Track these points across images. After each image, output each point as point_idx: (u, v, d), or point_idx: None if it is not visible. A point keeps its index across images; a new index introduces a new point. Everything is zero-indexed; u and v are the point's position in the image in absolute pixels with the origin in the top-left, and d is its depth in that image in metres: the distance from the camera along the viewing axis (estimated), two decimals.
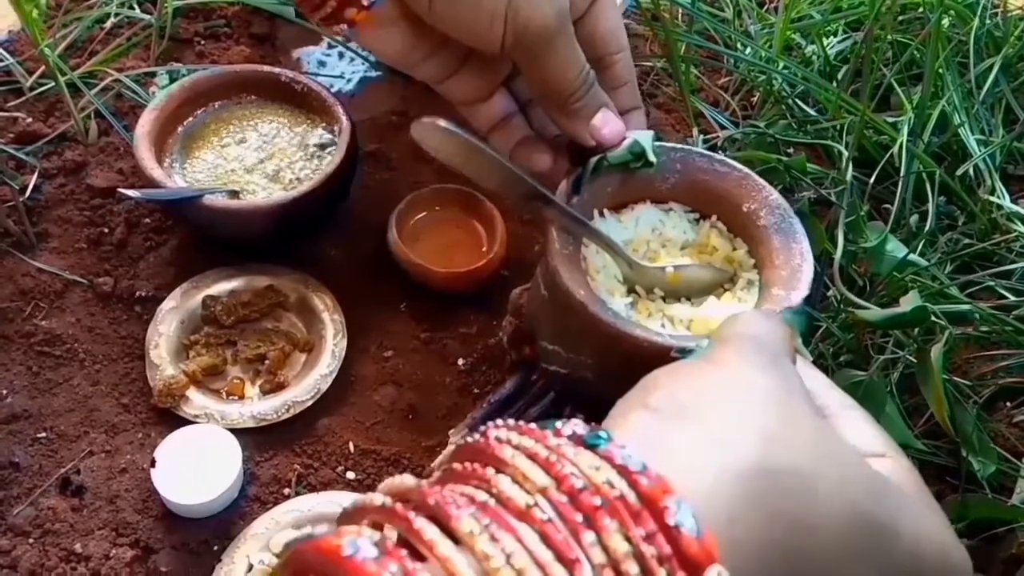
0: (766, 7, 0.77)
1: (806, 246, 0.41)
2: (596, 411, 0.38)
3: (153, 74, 0.66)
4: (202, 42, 0.70)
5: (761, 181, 0.43)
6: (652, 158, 0.43)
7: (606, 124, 0.42)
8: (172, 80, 0.66)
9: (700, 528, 0.21)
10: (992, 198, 0.61)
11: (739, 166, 0.43)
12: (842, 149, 0.57)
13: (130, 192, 0.50)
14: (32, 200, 0.60)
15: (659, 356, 0.35)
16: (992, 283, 0.57)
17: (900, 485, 0.27)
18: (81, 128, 0.63)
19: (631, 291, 0.41)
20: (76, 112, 0.63)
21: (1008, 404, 0.56)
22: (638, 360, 0.37)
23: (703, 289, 0.42)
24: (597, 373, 0.40)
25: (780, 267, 0.41)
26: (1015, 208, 0.59)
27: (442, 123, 0.36)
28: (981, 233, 0.62)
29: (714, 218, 0.44)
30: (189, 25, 0.71)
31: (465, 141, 0.37)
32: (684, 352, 0.34)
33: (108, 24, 0.69)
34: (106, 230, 0.59)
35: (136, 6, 0.70)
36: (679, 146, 0.43)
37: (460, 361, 0.56)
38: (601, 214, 0.42)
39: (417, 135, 0.37)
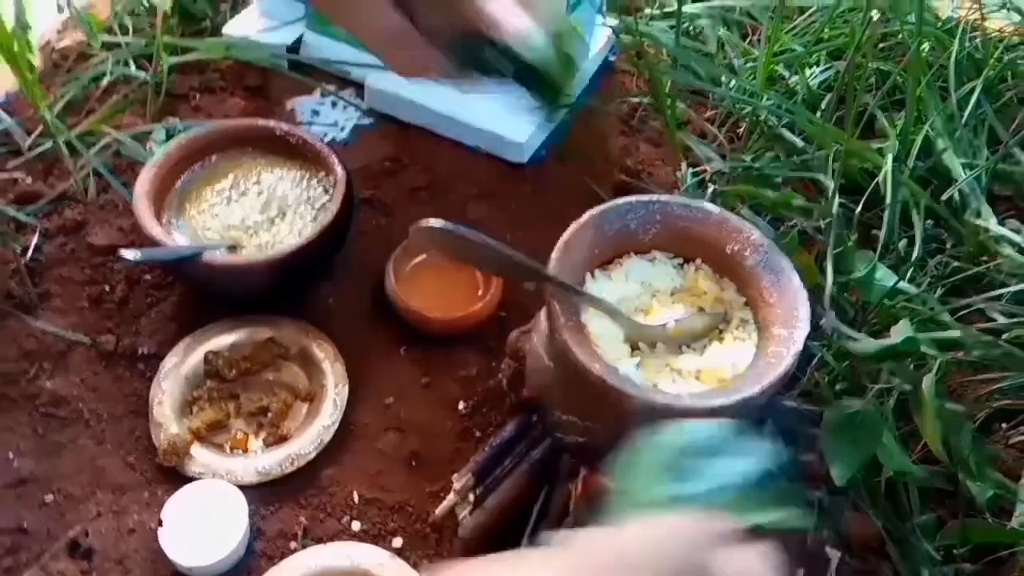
0: (749, 39, 0.78)
1: (797, 281, 0.42)
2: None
3: (150, 130, 0.67)
4: (197, 96, 0.72)
5: (740, 222, 0.44)
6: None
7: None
8: (169, 136, 0.67)
9: None
10: (979, 221, 0.62)
11: (716, 209, 0.44)
12: (828, 182, 0.58)
13: (129, 254, 0.51)
14: (33, 260, 0.61)
15: (682, 418, 0.36)
16: (983, 306, 0.58)
17: None
18: (80, 187, 0.64)
19: (634, 348, 0.42)
20: (75, 171, 0.64)
21: (1004, 425, 0.56)
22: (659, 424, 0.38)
23: (702, 335, 0.42)
24: (616, 439, 0.41)
25: (775, 305, 0.41)
26: (1002, 231, 0.60)
27: (439, 225, 0.38)
28: (970, 256, 0.62)
29: (698, 261, 0.45)
30: (184, 80, 0.72)
31: (463, 237, 0.39)
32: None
33: (104, 82, 0.70)
34: (107, 288, 0.60)
35: (132, 62, 0.71)
36: (656, 197, 0.44)
37: (461, 404, 0.56)
38: (592, 275, 0.43)
39: (417, 239, 0.38)
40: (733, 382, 0.40)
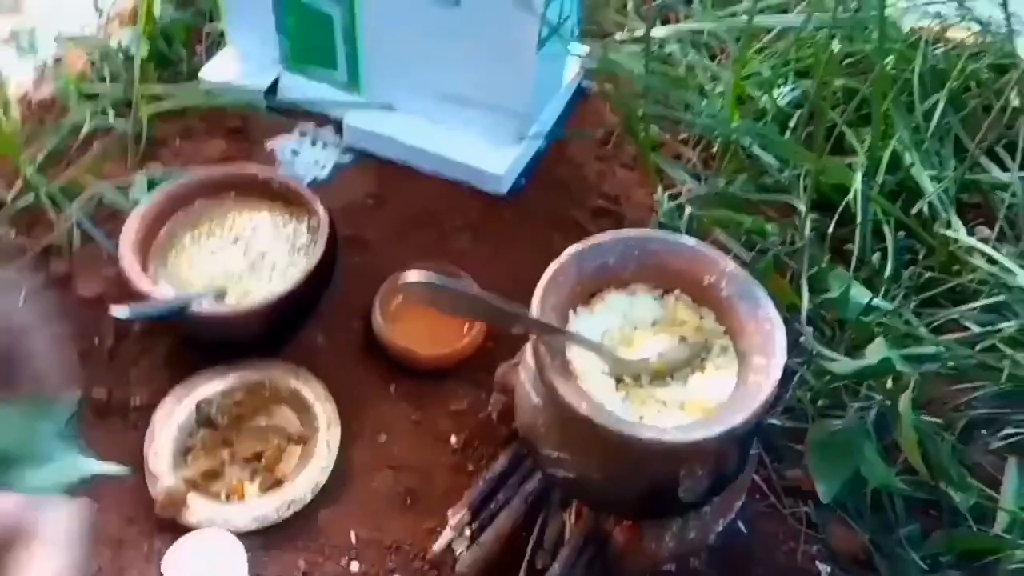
0: (717, 60, 0.80)
1: (772, 311, 0.43)
2: (603, 507, 0.40)
3: (131, 180, 0.68)
4: (177, 141, 0.72)
5: (716, 254, 0.45)
6: None
7: None
8: (151, 183, 0.68)
9: None
10: (949, 232, 0.64)
11: (692, 241, 0.46)
12: (800, 206, 0.59)
13: (119, 312, 0.52)
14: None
15: (668, 452, 0.38)
16: (956, 316, 0.59)
17: None
18: (65, 239, 0.65)
19: (619, 381, 0.43)
20: (59, 224, 0.64)
21: (984, 432, 0.58)
22: (648, 458, 0.39)
23: (685, 365, 0.43)
24: (606, 473, 0.42)
25: (752, 334, 0.43)
26: (971, 241, 0.62)
27: (425, 279, 0.39)
28: (942, 266, 0.64)
29: (677, 292, 0.46)
30: (163, 125, 0.73)
31: (449, 290, 0.40)
32: None
33: (83, 132, 0.70)
34: (96, 340, 0.60)
35: (111, 109, 0.72)
36: (633, 233, 0.45)
37: (453, 439, 0.57)
38: (575, 312, 0.44)
39: (405, 293, 0.39)
40: (717, 411, 0.41)
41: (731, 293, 0.44)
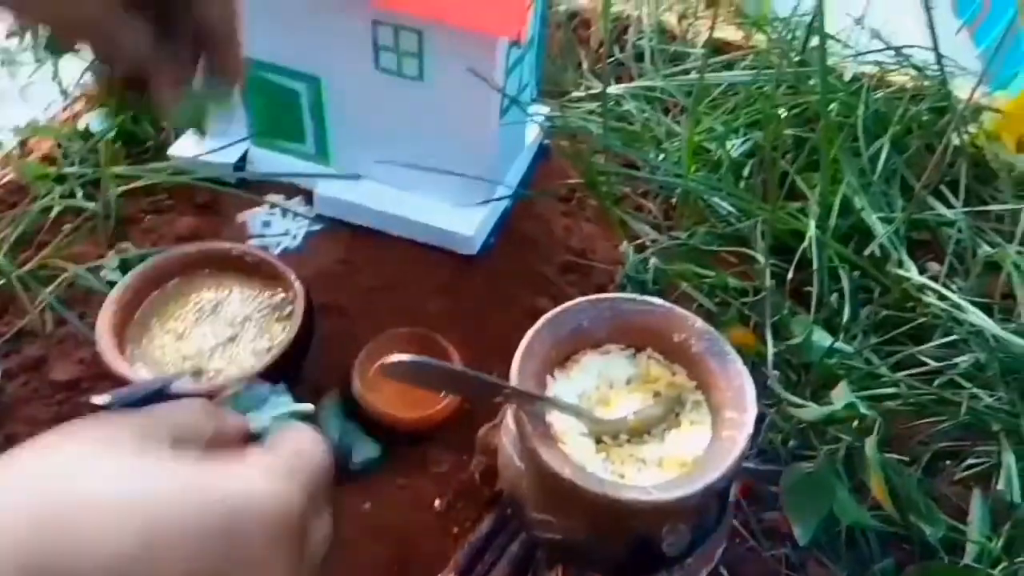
0: (671, 114, 0.83)
1: (740, 365, 0.45)
2: (589, 565, 0.41)
3: (103, 261, 0.68)
4: (147, 217, 0.73)
5: (684, 312, 0.47)
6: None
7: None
8: (123, 263, 0.68)
9: None
10: (900, 271, 0.67)
11: (660, 302, 0.48)
12: (759, 256, 0.62)
13: (99, 400, 0.52)
14: None
15: (651, 511, 0.39)
16: (914, 351, 0.62)
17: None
18: (38, 322, 0.65)
19: (599, 440, 0.44)
20: (31, 308, 0.65)
21: (948, 463, 0.60)
22: (631, 517, 0.40)
23: (661, 421, 0.45)
24: (591, 534, 0.43)
25: (724, 389, 0.44)
26: (922, 280, 0.65)
27: (407, 359, 0.40)
28: (896, 303, 0.67)
29: (649, 350, 0.48)
30: (133, 202, 0.73)
31: (432, 368, 0.42)
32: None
33: (52, 214, 0.71)
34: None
35: (79, 190, 0.73)
36: (604, 297, 0.47)
37: (436, 502, 0.58)
38: (552, 376, 0.46)
39: (388, 374, 0.40)
40: (694, 466, 0.43)
41: (701, 349, 0.46)
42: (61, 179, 0.74)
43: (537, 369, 0.45)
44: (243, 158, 0.75)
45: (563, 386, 0.46)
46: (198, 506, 0.29)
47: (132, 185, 0.72)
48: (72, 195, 0.72)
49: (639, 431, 0.45)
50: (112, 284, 0.66)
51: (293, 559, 0.31)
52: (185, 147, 0.75)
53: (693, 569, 0.48)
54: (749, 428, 0.42)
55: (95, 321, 0.65)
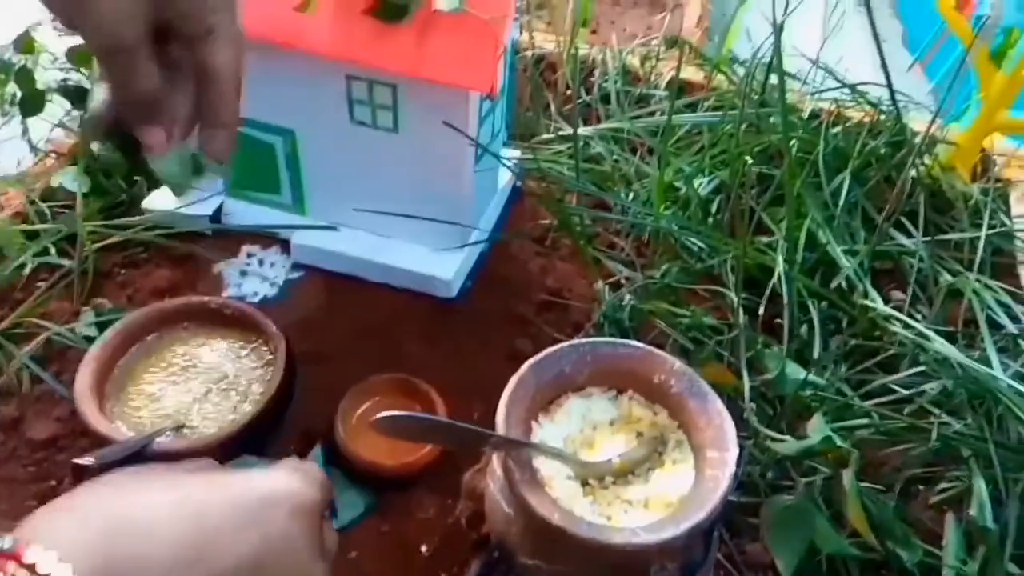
0: (639, 154, 0.85)
1: (719, 405, 0.46)
2: None
3: (77, 318, 0.68)
4: (122, 272, 0.73)
5: (662, 354, 0.48)
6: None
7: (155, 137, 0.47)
8: (98, 316, 0.68)
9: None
10: (866, 301, 0.69)
11: (639, 345, 0.49)
12: (731, 294, 0.63)
13: (85, 461, 0.51)
14: None
15: (639, 553, 0.40)
16: (883, 380, 0.64)
17: None
18: (14, 381, 0.64)
19: (585, 483, 0.45)
20: (6, 367, 0.64)
21: (921, 488, 0.62)
22: (621, 559, 0.41)
23: (645, 462, 0.46)
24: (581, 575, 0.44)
25: (704, 428, 0.46)
26: (888, 310, 0.67)
27: (398, 415, 0.42)
28: (863, 333, 0.69)
29: (630, 392, 0.49)
30: (108, 257, 0.73)
31: (421, 422, 0.44)
32: None
33: (26, 272, 0.71)
34: (54, 482, 0.60)
35: (52, 247, 0.72)
36: (585, 341, 0.49)
37: (423, 548, 0.58)
38: (537, 421, 0.47)
39: (380, 430, 0.41)
40: (679, 505, 0.44)
41: (680, 390, 0.47)
42: (32, 236, 0.73)
43: (523, 415, 0.46)
44: (219, 210, 0.75)
45: (548, 430, 0.47)
46: (235, 498, 0.38)
47: (108, 241, 0.72)
48: (46, 252, 0.72)
49: (624, 472, 0.46)
50: (89, 340, 0.66)
51: (315, 538, 0.41)
52: (160, 200, 0.75)
53: None
54: (732, 467, 0.43)
55: (72, 378, 0.65)
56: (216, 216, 0.75)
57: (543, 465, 0.45)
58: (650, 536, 0.40)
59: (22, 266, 0.71)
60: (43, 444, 0.61)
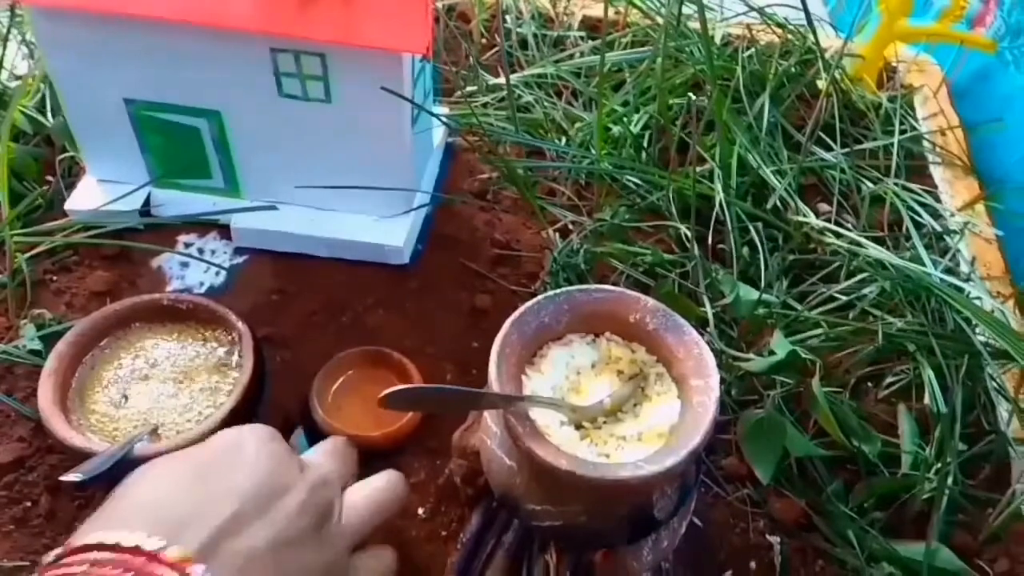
0: (564, 97, 0.86)
1: (695, 335, 0.49)
2: (587, 544, 0.44)
3: (11, 326, 0.65)
4: (55, 278, 0.70)
5: (635, 294, 0.50)
6: None
7: None
8: (40, 328, 0.65)
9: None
10: (799, 217, 0.73)
11: (612, 288, 0.51)
12: (683, 228, 0.66)
13: (72, 477, 0.50)
14: None
15: (644, 484, 0.42)
16: (825, 290, 0.68)
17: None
18: None
19: (578, 426, 0.47)
20: None
21: (870, 385, 0.66)
22: (627, 492, 0.43)
23: (631, 398, 0.48)
24: (590, 515, 0.45)
25: (684, 359, 0.48)
26: (820, 223, 0.71)
27: (403, 388, 0.42)
28: (800, 247, 0.73)
29: (607, 334, 0.51)
30: (37, 265, 0.70)
31: (425, 392, 0.46)
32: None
33: None
34: (29, 503, 0.58)
35: None
36: (561, 291, 0.50)
37: (420, 510, 0.59)
38: (526, 375, 0.48)
39: (387, 406, 0.41)
40: (672, 434, 0.46)
41: (656, 326, 0.49)
42: None
43: (512, 371, 0.47)
44: (147, 202, 0.72)
45: (537, 382, 0.49)
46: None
47: (36, 250, 0.69)
48: None
49: (615, 411, 0.48)
50: (36, 354, 0.64)
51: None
52: (82, 199, 0.71)
53: (677, 526, 0.52)
54: (716, 392, 0.45)
55: (25, 397, 0.62)
56: (145, 209, 0.72)
57: (538, 415, 0.47)
58: (654, 466, 0.42)
59: None
60: (11, 466, 0.59)
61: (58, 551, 0.37)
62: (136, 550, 0.36)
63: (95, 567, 0.35)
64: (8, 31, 0.75)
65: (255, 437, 0.46)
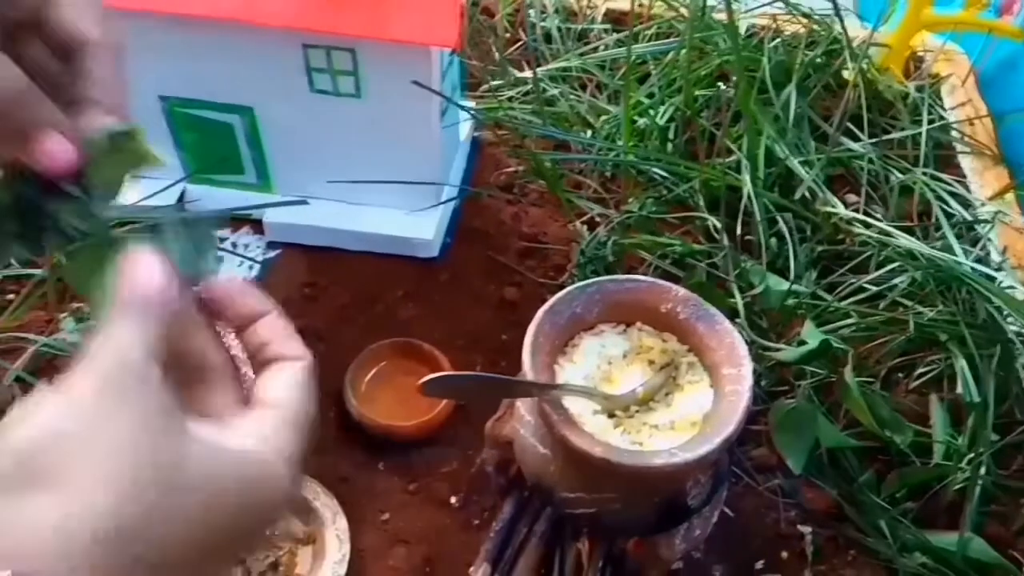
0: (588, 90, 0.86)
1: (727, 324, 0.49)
2: (621, 531, 0.45)
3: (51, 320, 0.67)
4: None
5: (667, 284, 0.50)
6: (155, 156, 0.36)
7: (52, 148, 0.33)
8: (80, 322, 0.67)
9: None
10: (827, 208, 0.72)
11: (644, 278, 0.51)
12: (712, 219, 0.66)
13: None
14: None
15: (678, 472, 0.43)
16: (855, 280, 0.68)
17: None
18: (6, 397, 0.63)
19: (611, 415, 0.47)
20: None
21: (901, 375, 0.66)
22: (661, 479, 0.44)
23: (663, 388, 0.49)
24: (624, 503, 0.46)
25: (716, 348, 0.48)
26: (849, 213, 0.71)
27: (443, 375, 0.44)
28: (828, 239, 0.73)
29: (639, 324, 0.51)
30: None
31: (464, 379, 0.45)
32: None
33: None
34: None
35: (14, 263, 0.70)
36: (592, 281, 0.50)
37: (452, 499, 0.60)
38: (559, 364, 0.48)
39: (428, 392, 0.42)
40: (705, 423, 0.47)
41: (688, 315, 0.50)
42: None
43: (545, 360, 0.48)
44: (182, 197, 0.73)
45: (569, 371, 0.49)
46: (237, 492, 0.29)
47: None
48: (8, 264, 0.70)
49: (647, 400, 0.48)
50: (75, 346, 0.65)
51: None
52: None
53: (709, 515, 0.53)
54: (749, 380, 0.46)
55: None
56: (180, 204, 0.73)
57: (571, 404, 0.47)
58: (688, 454, 0.43)
59: None
60: None
61: None
62: None
63: None
64: None
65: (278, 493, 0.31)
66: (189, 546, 0.27)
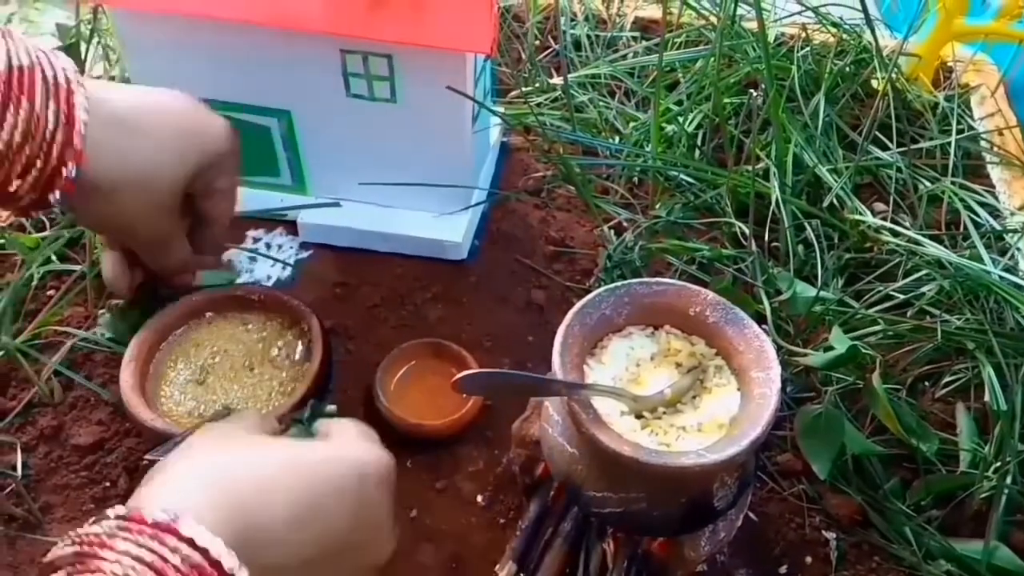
0: (616, 97, 0.87)
1: (756, 328, 0.50)
2: (647, 531, 0.45)
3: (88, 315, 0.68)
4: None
5: (695, 288, 0.51)
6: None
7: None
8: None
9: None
10: (855, 216, 0.73)
11: (672, 282, 0.52)
12: (739, 225, 0.66)
13: (153, 456, 0.53)
14: (23, 477, 0.61)
15: (705, 473, 0.43)
16: (883, 288, 0.68)
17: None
18: (46, 391, 0.64)
19: (638, 416, 0.48)
20: (37, 379, 0.64)
21: (927, 384, 0.66)
22: (689, 480, 0.44)
23: (691, 390, 0.49)
24: (650, 503, 0.47)
25: (745, 352, 0.49)
26: (877, 221, 0.71)
27: (476, 373, 0.45)
28: (855, 247, 0.73)
29: (666, 327, 0.52)
30: None
31: (497, 377, 0.47)
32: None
33: (34, 283, 0.70)
34: (108, 484, 0.61)
35: (55, 258, 0.72)
36: (621, 284, 0.51)
37: (479, 498, 0.61)
38: (588, 365, 0.49)
39: (462, 389, 0.43)
40: (732, 425, 0.47)
41: (716, 319, 0.50)
42: (34, 248, 0.73)
43: (574, 361, 0.48)
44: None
45: (598, 372, 0.50)
46: (332, 461, 0.41)
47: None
48: (48, 260, 0.72)
49: (674, 402, 0.49)
50: (113, 341, 0.67)
51: (393, 505, 0.44)
52: None
53: (734, 517, 0.53)
54: (778, 384, 0.46)
55: (103, 382, 0.65)
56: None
57: (599, 404, 0.48)
58: (716, 455, 0.44)
59: (30, 277, 0.70)
60: (90, 448, 0.62)
61: (122, 511, 0.34)
62: (212, 561, 0.33)
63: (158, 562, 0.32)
64: (92, 34, 0.79)
65: (375, 480, 0.42)
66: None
